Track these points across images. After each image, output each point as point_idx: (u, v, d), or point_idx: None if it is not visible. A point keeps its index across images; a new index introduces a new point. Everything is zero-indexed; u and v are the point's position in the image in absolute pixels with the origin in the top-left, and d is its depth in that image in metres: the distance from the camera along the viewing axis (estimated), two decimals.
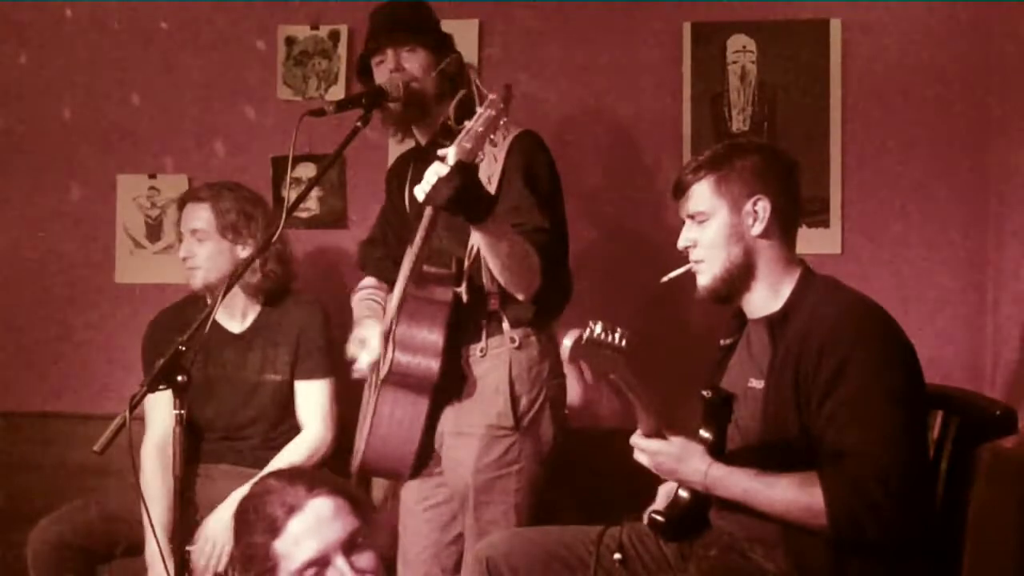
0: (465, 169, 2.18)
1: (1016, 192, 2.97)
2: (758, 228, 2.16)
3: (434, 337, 2.54)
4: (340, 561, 1.73)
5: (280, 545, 1.74)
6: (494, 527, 2.54)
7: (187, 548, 2.71)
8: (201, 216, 2.90)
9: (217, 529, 2.73)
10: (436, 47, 2.63)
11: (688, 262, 2.23)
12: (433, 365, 2.54)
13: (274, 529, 1.75)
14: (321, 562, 1.73)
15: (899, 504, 1.96)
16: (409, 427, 2.59)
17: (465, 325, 2.59)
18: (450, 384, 2.59)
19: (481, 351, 2.59)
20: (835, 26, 3.19)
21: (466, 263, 2.56)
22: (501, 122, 2.24)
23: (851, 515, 1.96)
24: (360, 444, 2.63)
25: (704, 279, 2.20)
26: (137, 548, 2.78)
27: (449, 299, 2.57)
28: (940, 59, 3.16)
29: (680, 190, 2.23)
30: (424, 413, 2.58)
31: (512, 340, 2.58)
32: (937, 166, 3.17)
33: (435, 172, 2.18)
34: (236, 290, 2.88)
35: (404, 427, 2.60)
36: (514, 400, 2.56)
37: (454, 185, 2.17)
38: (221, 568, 2.74)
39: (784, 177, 2.20)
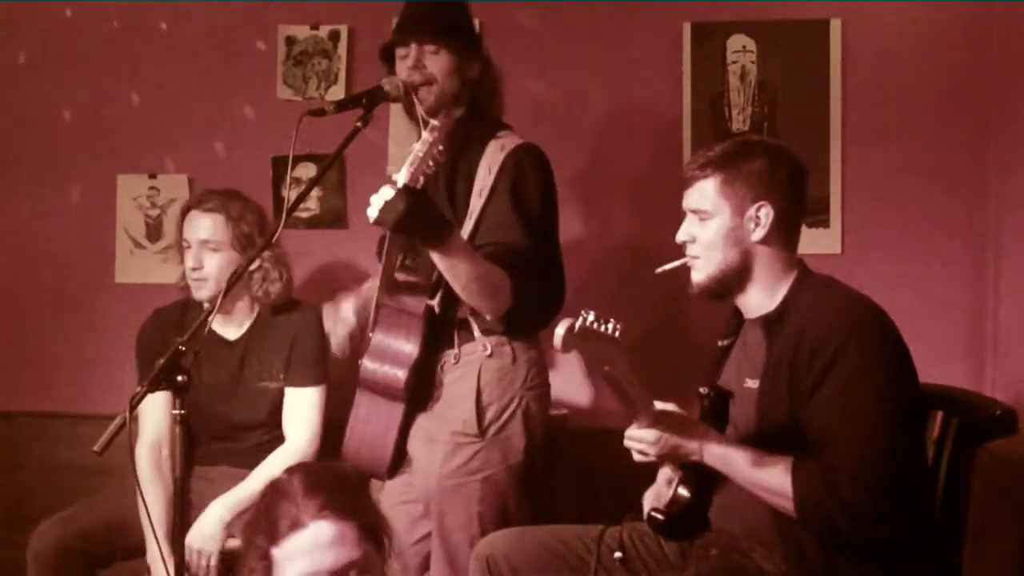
0: (411, 192, 2.19)
1: (1016, 192, 2.98)
2: (759, 234, 2.13)
3: (409, 348, 2.55)
4: None
5: (277, 553, 1.74)
6: (455, 534, 2.54)
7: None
8: (211, 226, 2.84)
9: (202, 537, 2.73)
10: (463, 51, 2.57)
11: (685, 255, 2.21)
12: (400, 374, 2.54)
13: (274, 537, 1.74)
14: None
15: (871, 500, 1.95)
16: (384, 431, 2.60)
17: (439, 332, 2.58)
18: (424, 390, 2.59)
19: (455, 358, 2.58)
20: (835, 26, 3.19)
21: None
22: (436, 150, 2.24)
23: (816, 503, 1.97)
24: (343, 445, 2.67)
25: (698, 276, 2.18)
26: (137, 551, 2.77)
27: (421, 311, 2.55)
28: (940, 59, 3.16)
29: (686, 182, 2.20)
30: (399, 419, 2.59)
31: (484, 348, 2.56)
32: (937, 166, 3.17)
33: (382, 196, 2.20)
34: (236, 297, 2.87)
35: (379, 431, 2.61)
36: (480, 408, 2.54)
37: (400, 208, 2.18)
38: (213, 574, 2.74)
39: (791, 182, 2.17)
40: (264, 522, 1.76)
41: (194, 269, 2.85)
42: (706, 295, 2.19)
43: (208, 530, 2.73)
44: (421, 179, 2.23)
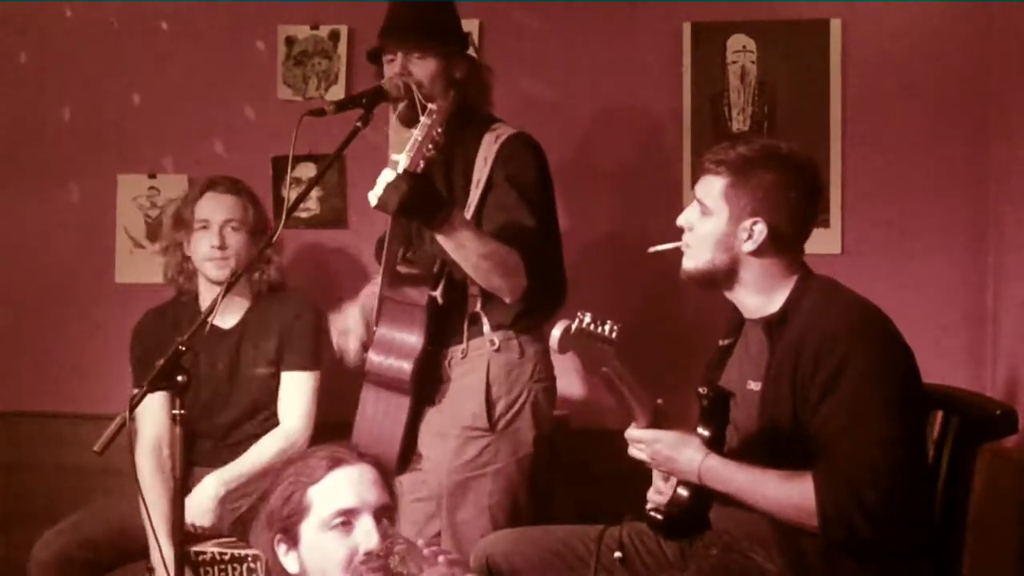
0: (411, 176, 2.25)
1: (1016, 192, 2.97)
2: (749, 246, 2.12)
3: (413, 340, 2.57)
4: (369, 521, 1.80)
5: (315, 491, 1.80)
6: (467, 528, 2.56)
7: (190, 549, 2.72)
8: (232, 206, 2.89)
9: (194, 513, 2.72)
10: (448, 53, 2.59)
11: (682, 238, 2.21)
12: (405, 366, 2.56)
13: (314, 477, 1.81)
14: (352, 515, 1.79)
15: (891, 507, 1.95)
16: (391, 425, 2.62)
17: (448, 327, 2.61)
18: (432, 385, 2.61)
19: (462, 353, 2.61)
20: (835, 26, 3.18)
21: (449, 266, 2.56)
22: (436, 132, 2.31)
23: (842, 515, 1.96)
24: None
25: (687, 264, 2.19)
26: (141, 555, 2.78)
27: (423, 302, 2.57)
28: (940, 58, 3.16)
29: (701, 171, 2.19)
30: (405, 412, 2.61)
31: (492, 343, 2.58)
32: (937, 166, 3.17)
33: (384, 179, 2.25)
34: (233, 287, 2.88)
35: (387, 425, 2.62)
36: (490, 402, 2.56)
37: (402, 191, 2.24)
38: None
39: (798, 201, 2.12)
40: (303, 471, 1.83)
41: (220, 248, 2.86)
42: (692, 284, 2.20)
43: (202, 505, 2.74)
44: (421, 163, 2.29)
